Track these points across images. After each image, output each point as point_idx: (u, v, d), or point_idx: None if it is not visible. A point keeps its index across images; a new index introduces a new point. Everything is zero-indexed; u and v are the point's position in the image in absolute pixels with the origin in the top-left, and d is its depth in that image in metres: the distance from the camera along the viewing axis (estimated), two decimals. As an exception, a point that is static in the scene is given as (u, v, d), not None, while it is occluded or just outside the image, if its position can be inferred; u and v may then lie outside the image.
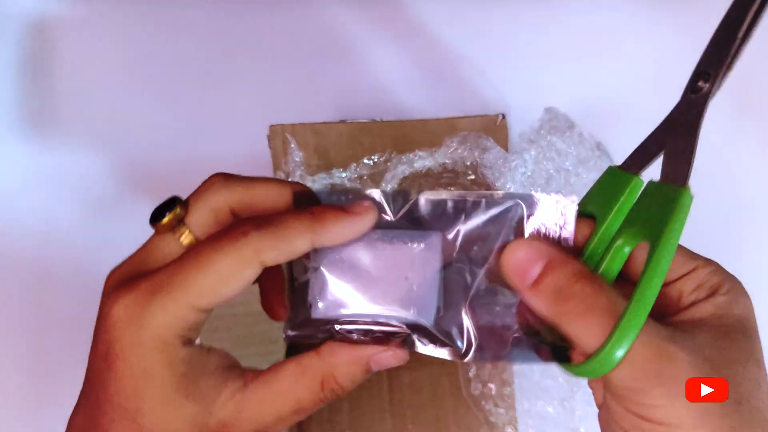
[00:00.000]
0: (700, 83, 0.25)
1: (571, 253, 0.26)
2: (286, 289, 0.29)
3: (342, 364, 0.27)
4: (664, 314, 0.26)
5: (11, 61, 0.53)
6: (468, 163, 0.42)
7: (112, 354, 0.25)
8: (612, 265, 0.26)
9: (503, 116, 0.45)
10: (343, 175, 0.42)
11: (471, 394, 0.44)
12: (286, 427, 0.27)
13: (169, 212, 0.27)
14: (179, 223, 0.27)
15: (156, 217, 0.27)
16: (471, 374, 0.44)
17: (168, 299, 0.25)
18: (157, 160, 0.52)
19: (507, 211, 0.27)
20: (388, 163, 0.42)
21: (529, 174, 0.40)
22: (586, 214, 0.28)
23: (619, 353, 0.22)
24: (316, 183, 0.41)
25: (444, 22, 0.52)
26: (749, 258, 0.51)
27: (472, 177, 0.43)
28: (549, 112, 0.41)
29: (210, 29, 0.53)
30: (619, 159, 0.49)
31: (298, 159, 0.41)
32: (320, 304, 0.27)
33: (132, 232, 0.52)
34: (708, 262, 0.26)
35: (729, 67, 0.24)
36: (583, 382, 0.45)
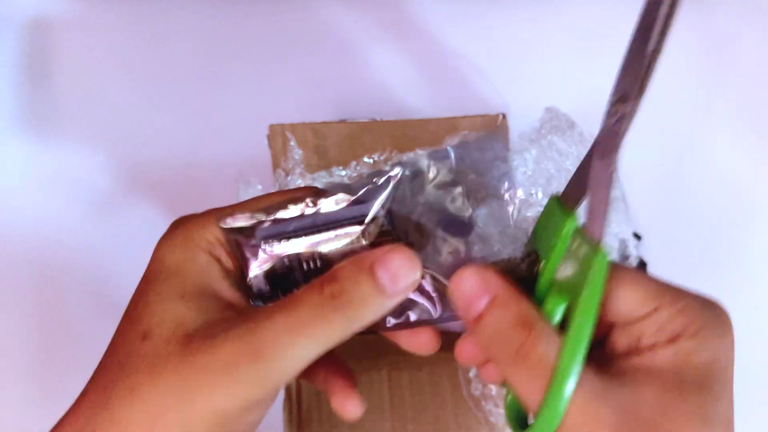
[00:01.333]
0: (617, 107, 0.23)
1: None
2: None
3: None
4: (622, 354, 0.24)
5: (11, 61, 0.53)
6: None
7: None
8: (553, 315, 0.25)
9: (504, 116, 0.45)
10: (343, 173, 0.42)
11: (471, 394, 0.44)
12: None
13: None
14: None
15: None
16: (471, 374, 0.44)
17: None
18: (157, 160, 0.52)
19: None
20: (388, 162, 0.42)
21: (530, 174, 0.40)
22: (531, 250, 0.27)
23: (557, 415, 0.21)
24: (316, 181, 0.41)
25: (444, 22, 0.52)
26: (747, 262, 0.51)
27: (473, 176, 0.43)
28: (550, 112, 0.41)
29: (210, 29, 0.53)
30: (618, 159, 0.50)
31: (297, 157, 0.41)
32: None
33: (132, 232, 0.52)
34: (677, 297, 0.23)
35: (643, 88, 0.22)
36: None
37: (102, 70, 0.54)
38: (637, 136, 0.54)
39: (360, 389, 0.46)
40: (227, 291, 0.26)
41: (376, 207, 0.25)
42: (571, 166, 0.41)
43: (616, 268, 0.24)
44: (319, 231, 0.26)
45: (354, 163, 0.42)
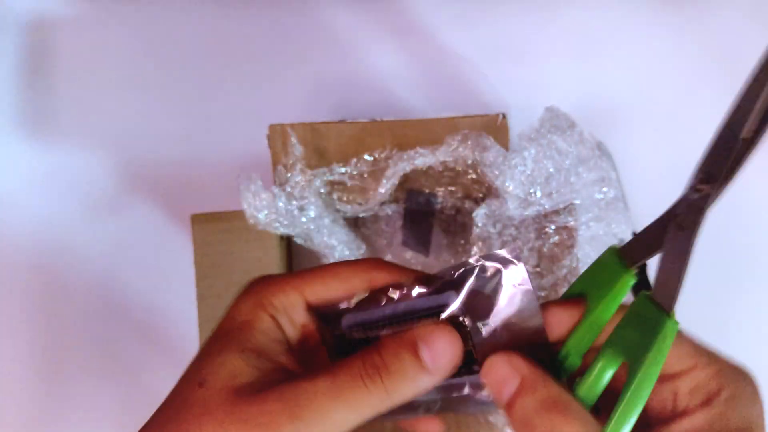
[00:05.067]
0: (701, 186, 0.23)
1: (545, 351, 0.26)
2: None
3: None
4: (656, 419, 0.25)
5: (11, 60, 0.53)
6: (469, 162, 0.42)
7: None
8: (596, 385, 0.25)
9: (504, 116, 0.45)
10: (343, 170, 0.42)
11: (471, 394, 0.44)
12: None
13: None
14: None
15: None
16: (471, 374, 0.44)
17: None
18: (157, 160, 0.52)
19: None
20: (389, 161, 0.42)
21: (529, 172, 0.40)
22: (575, 294, 0.27)
23: None
24: (317, 178, 0.41)
25: (444, 22, 0.52)
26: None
27: (473, 176, 0.43)
28: (550, 111, 0.41)
29: (210, 29, 0.53)
30: (618, 159, 0.50)
31: (298, 153, 0.41)
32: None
33: (132, 232, 0.52)
34: (713, 360, 0.24)
35: (731, 172, 0.22)
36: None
37: (102, 70, 0.54)
38: (637, 136, 0.54)
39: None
40: (283, 355, 0.27)
41: (453, 305, 0.26)
42: (571, 165, 0.41)
43: None
44: (398, 321, 0.27)
45: (354, 160, 0.42)
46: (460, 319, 0.26)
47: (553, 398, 0.24)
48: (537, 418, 0.24)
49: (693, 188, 0.23)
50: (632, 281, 0.25)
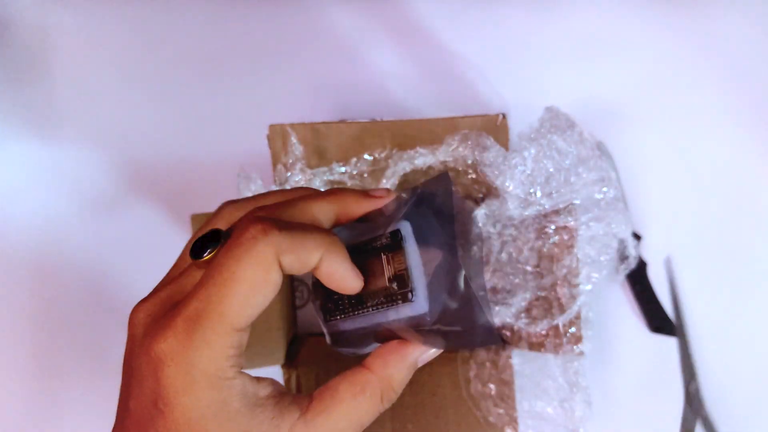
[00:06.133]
0: None
1: None
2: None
3: (397, 374, 0.27)
4: None
5: (11, 61, 0.53)
6: (469, 162, 0.42)
7: (163, 399, 0.23)
8: None
9: (504, 116, 0.44)
10: (343, 170, 0.42)
11: (471, 394, 0.44)
12: None
13: (213, 248, 0.25)
14: None
15: (198, 252, 0.26)
16: (471, 374, 0.44)
17: (209, 329, 0.23)
18: (156, 160, 0.52)
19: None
20: (389, 160, 0.42)
21: (529, 172, 0.40)
22: None
23: None
24: (317, 177, 0.41)
25: (444, 22, 0.52)
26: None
27: (473, 176, 0.43)
28: (549, 111, 0.41)
29: (209, 29, 0.53)
30: (618, 159, 0.50)
31: (298, 153, 0.41)
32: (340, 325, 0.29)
33: (131, 232, 0.52)
34: None
35: None
36: (584, 382, 0.45)
37: (102, 71, 0.54)
38: (637, 136, 0.54)
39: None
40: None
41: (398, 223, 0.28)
42: (571, 165, 0.41)
43: None
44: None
45: (354, 159, 0.42)
46: (399, 236, 0.27)
47: None
48: None
49: None
50: None
